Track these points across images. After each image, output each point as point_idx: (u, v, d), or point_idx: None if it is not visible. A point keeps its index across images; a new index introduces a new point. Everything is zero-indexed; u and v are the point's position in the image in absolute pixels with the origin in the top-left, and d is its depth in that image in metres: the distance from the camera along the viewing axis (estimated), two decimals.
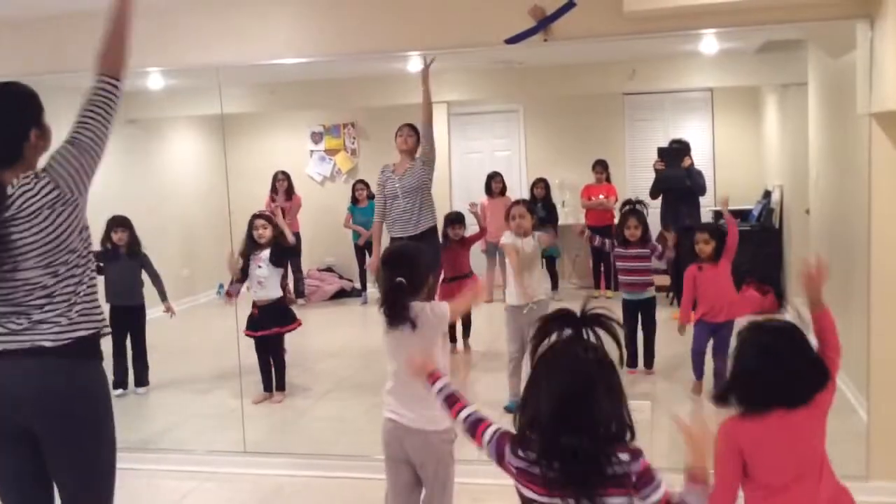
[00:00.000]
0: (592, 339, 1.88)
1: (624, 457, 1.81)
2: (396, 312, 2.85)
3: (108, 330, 2.51)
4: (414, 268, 2.92)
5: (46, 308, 2.35)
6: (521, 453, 1.89)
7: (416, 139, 5.66)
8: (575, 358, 1.84)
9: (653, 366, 5.61)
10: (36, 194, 2.30)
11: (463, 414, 2.18)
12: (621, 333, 1.92)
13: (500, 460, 1.99)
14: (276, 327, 5.45)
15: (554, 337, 1.88)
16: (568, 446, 1.78)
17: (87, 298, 2.43)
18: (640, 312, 5.51)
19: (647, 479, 1.83)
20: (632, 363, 5.54)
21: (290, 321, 5.57)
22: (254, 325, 5.41)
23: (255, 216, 5.50)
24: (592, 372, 1.82)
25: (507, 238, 5.01)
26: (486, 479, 3.52)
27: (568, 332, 1.89)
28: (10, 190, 2.29)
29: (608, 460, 1.79)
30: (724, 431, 2.35)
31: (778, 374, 2.27)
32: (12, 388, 2.34)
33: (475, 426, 2.10)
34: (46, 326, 2.34)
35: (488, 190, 8.18)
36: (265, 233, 5.42)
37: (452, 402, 2.25)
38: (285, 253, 5.53)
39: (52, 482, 2.46)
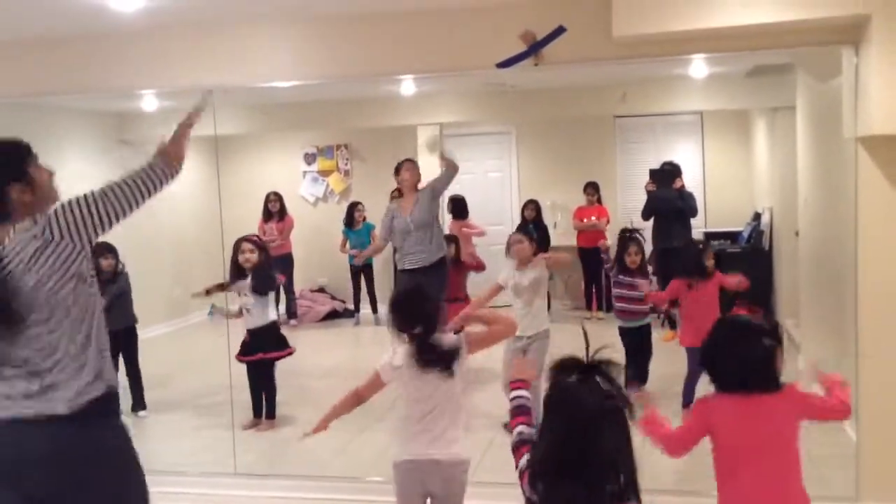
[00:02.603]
0: (604, 384, 1.82)
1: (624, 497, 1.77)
2: (431, 357, 2.82)
3: (116, 385, 2.45)
4: (430, 311, 2.89)
5: (56, 370, 2.28)
6: (536, 487, 1.86)
7: (418, 172, 5.82)
8: (577, 401, 1.79)
9: (645, 382, 5.60)
10: (27, 244, 2.25)
11: (519, 429, 2.15)
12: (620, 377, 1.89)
13: (524, 488, 1.97)
14: (265, 353, 5.34)
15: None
16: (568, 493, 1.75)
17: (98, 357, 2.36)
18: (637, 339, 5.51)
19: None
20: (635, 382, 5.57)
21: (282, 347, 5.45)
22: (245, 350, 5.35)
23: (242, 239, 5.34)
24: (595, 416, 1.76)
25: (503, 273, 5.02)
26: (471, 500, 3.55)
27: (569, 373, 1.85)
28: (4, 245, 2.25)
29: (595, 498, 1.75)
30: (700, 403, 2.58)
31: (746, 357, 2.44)
32: (23, 459, 2.27)
33: (519, 447, 2.07)
34: (59, 392, 2.28)
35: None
36: (252, 257, 5.24)
37: (518, 413, 2.21)
38: (266, 281, 5.33)
39: None
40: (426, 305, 2.91)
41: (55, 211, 2.29)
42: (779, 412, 2.43)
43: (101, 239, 2.40)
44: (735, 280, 5.19)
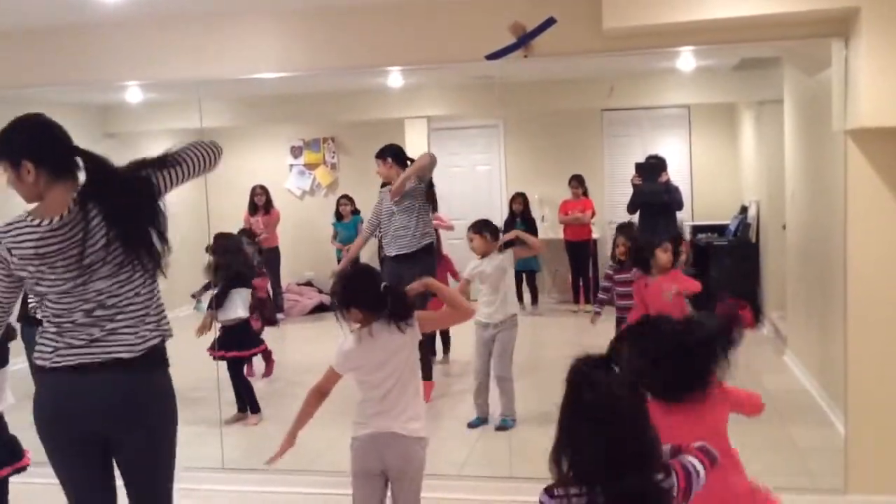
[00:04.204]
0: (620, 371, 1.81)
1: (659, 476, 1.77)
2: (405, 311, 2.87)
3: (172, 334, 2.60)
4: (368, 294, 2.91)
5: (119, 318, 2.44)
6: (558, 492, 1.79)
7: (389, 165, 5.61)
8: (615, 399, 1.75)
9: None
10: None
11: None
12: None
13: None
14: (236, 350, 5.37)
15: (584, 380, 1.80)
16: (628, 489, 1.72)
17: (157, 308, 2.54)
18: None
19: (689, 482, 1.81)
20: None
21: (252, 345, 5.52)
22: (218, 344, 5.34)
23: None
24: (634, 407, 1.76)
25: (468, 266, 5.11)
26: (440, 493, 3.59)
27: (598, 370, 1.80)
28: (69, 208, 2.40)
29: (654, 486, 1.76)
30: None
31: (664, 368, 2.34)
32: (93, 400, 2.44)
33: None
34: (120, 338, 2.44)
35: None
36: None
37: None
38: (234, 280, 5.40)
39: (114, 483, 2.61)
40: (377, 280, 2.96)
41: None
42: (709, 414, 2.39)
43: None
44: (684, 284, 4.90)
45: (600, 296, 5.61)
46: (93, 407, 2.44)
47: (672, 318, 2.50)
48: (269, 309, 7.23)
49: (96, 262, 2.40)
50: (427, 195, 5.62)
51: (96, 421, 2.45)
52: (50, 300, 2.45)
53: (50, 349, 2.45)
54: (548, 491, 1.79)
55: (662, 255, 4.84)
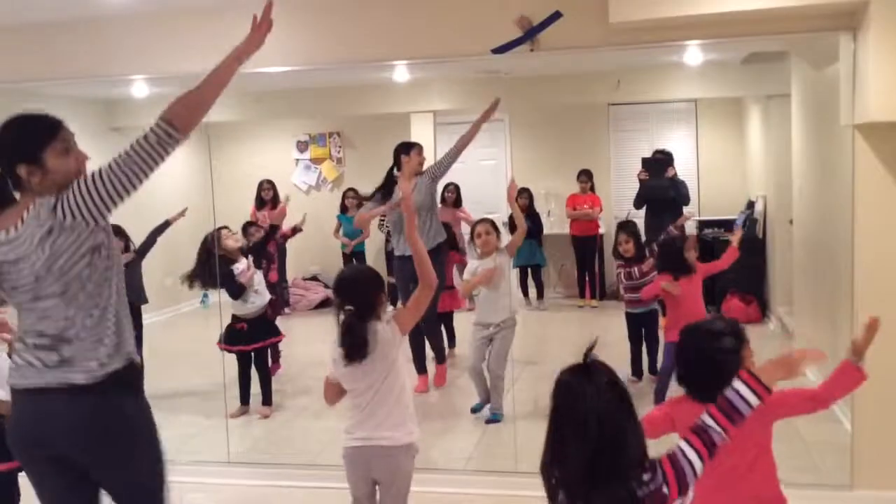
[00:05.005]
0: (601, 377, 1.80)
1: (646, 477, 1.76)
2: (356, 347, 2.83)
3: (138, 360, 2.47)
4: (359, 295, 2.90)
5: (75, 343, 2.32)
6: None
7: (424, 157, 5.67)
8: (594, 407, 1.75)
9: (657, 372, 5.57)
10: (40, 224, 2.27)
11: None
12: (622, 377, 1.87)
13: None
14: (267, 339, 5.41)
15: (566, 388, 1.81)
16: (605, 498, 1.73)
17: (116, 330, 2.38)
18: (644, 326, 5.51)
19: (679, 477, 1.79)
20: (636, 373, 5.56)
21: (277, 333, 5.58)
22: (242, 338, 5.30)
23: (218, 230, 5.32)
24: (616, 415, 1.75)
25: (468, 268, 5.13)
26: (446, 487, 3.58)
27: (576, 380, 1.81)
28: (22, 220, 2.28)
29: (637, 488, 1.75)
30: (672, 402, 2.54)
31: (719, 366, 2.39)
32: (46, 426, 2.33)
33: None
34: (77, 363, 2.32)
35: (442, 199, 8.11)
36: (240, 238, 5.42)
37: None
38: (258, 246, 5.48)
39: (98, 498, 2.50)
40: (365, 287, 2.91)
41: (66, 191, 2.30)
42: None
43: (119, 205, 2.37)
44: (725, 262, 5.09)
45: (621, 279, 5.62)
46: (54, 432, 2.32)
47: (697, 326, 2.58)
48: (278, 301, 7.24)
49: (41, 277, 2.28)
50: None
51: (60, 446, 2.33)
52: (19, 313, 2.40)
53: (16, 367, 2.39)
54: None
55: (692, 256, 4.96)
